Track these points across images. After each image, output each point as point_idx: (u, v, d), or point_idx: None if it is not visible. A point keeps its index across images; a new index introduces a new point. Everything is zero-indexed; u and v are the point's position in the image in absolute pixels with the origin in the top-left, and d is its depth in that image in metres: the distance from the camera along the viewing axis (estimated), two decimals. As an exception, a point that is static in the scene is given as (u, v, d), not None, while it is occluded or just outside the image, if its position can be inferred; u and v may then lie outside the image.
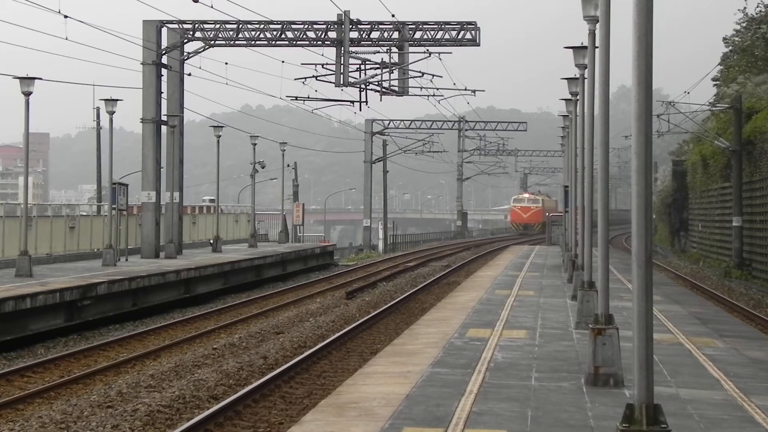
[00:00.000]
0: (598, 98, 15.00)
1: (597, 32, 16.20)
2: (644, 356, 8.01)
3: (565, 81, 29.35)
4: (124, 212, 41.03)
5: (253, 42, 43.55)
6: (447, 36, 44.05)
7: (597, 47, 15.68)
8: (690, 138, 72.53)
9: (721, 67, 68.21)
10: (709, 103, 59.28)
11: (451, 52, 45.88)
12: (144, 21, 42.92)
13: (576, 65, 24.11)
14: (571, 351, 17.84)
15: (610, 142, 15.28)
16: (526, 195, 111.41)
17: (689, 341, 19.60)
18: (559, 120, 54.04)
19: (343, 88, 44.82)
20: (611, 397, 13.48)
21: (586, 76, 22.42)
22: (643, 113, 8.00)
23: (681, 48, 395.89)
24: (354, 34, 43.81)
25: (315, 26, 43.60)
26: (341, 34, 43.36)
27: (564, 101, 34.53)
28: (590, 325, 14.56)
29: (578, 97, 27.88)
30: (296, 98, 49.88)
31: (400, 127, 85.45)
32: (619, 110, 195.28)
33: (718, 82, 69.63)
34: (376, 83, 45.88)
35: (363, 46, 44.62)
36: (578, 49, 23.55)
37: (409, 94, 48.25)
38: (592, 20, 18.40)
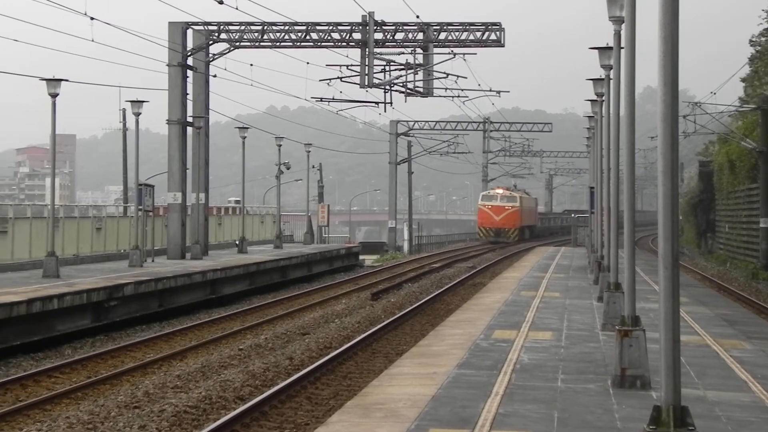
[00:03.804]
0: (623, 99, 14.95)
1: (622, 33, 16.15)
2: (671, 358, 7.99)
3: (591, 82, 29.27)
4: (151, 213, 41.20)
5: (277, 43, 43.64)
6: (471, 37, 43.99)
7: (622, 48, 15.64)
8: (716, 139, 72.16)
9: (750, 69, 67.80)
10: (737, 105, 58.87)
11: (475, 53, 45.86)
12: (169, 23, 43.08)
13: (601, 66, 24.04)
14: (598, 353, 17.79)
15: (636, 142, 15.23)
16: (500, 191, 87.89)
17: (716, 343, 19.51)
18: (584, 121, 53.88)
19: (368, 89, 44.86)
20: (638, 399, 13.44)
21: (611, 76, 22.34)
22: (669, 114, 7.98)
23: (707, 47, 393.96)
24: (378, 35, 43.82)
25: (339, 27, 43.64)
26: (366, 35, 43.38)
27: (589, 102, 34.43)
28: (617, 327, 14.52)
29: (604, 98, 27.80)
30: (321, 99, 49.96)
31: (424, 128, 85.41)
32: (645, 111, 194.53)
33: (744, 84, 69.22)
34: (401, 84, 45.88)
35: (387, 47, 44.62)
36: (603, 50, 23.49)
37: (434, 95, 48.24)
38: (618, 21, 18.33)
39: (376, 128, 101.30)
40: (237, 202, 68.77)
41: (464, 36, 44.05)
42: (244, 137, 49.88)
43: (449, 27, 44.25)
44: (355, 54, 44.37)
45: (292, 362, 20.54)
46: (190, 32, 43.27)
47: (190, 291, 34.12)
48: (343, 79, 46.04)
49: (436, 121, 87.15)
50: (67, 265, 35.49)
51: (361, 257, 62.99)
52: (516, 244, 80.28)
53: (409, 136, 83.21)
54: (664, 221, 8.03)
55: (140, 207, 38.31)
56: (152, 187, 40.22)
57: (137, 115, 37.36)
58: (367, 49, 43.54)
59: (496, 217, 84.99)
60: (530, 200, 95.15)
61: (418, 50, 44.74)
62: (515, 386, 14.29)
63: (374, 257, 70.07)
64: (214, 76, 44.76)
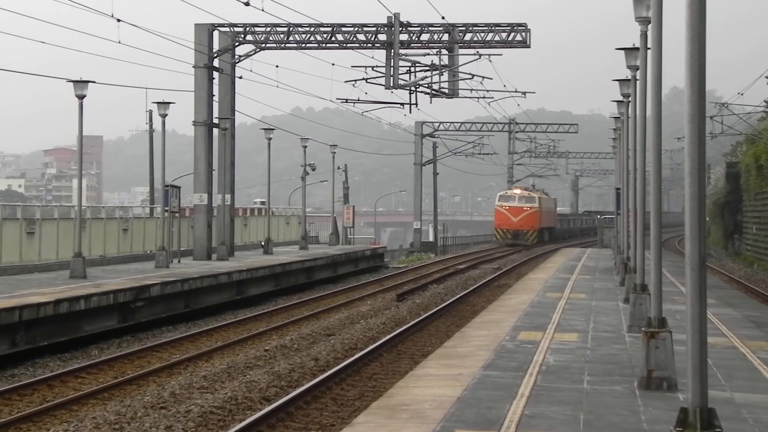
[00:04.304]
0: (650, 99, 14.88)
1: (649, 33, 16.09)
2: (698, 360, 7.95)
3: (617, 82, 29.16)
4: (177, 214, 41.33)
5: (303, 45, 43.69)
6: (497, 38, 43.90)
7: (649, 48, 15.57)
8: (744, 140, 71.79)
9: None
10: (765, 105, 58.55)
11: (501, 54, 45.76)
12: (196, 24, 43.21)
13: (628, 66, 23.95)
14: (624, 354, 17.73)
15: (663, 143, 15.16)
16: (517, 191, 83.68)
17: (743, 345, 19.40)
18: (610, 121, 53.71)
19: (393, 90, 44.86)
20: (664, 400, 13.38)
21: (638, 77, 22.26)
22: (696, 115, 7.94)
23: (735, 48, 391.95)
24: (404, 37, 43.82)
25: (365, 29, 43.65)
26: (391, 36, 43.39)
27: (616, 103, 34.30)
28: (643, 329, 14.47)
29: (630, 99, 27.69)
30: (346, 101, 49.96)
31: (450, 129, 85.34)
32: (672, 112, 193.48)
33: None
34: (426, 85, 45.86)
35: (413, 48, 44.62)
36: (630, 51, 23.40)
37: (459, 96, 48.19)
38: (644, 21, 18.26)
39: (401, 129, 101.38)
40: (263, 203, 68.89)
41: (490, 37, 43.97)
42: (270, 138, 49.97)
43: (475, 28, 44.18)
44: (380, 55, 44.45)
45: (317, 363, 20.57)
46: (216, 34, 43.38)
47: (216, 292, 34.22)
48: (368, 81, 46.07)
49: (462, 122, 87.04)
50: (94, 266, 35.66)
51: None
52: (536, 246, 78.72)
53: (434, 137, 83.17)
54: (691, 223, 8.00)
55: (166, 208, 38.45)
56: (178, 188, 40.36)
57: (164, 116, 37.48)
58: (392, 50, 43.55)
59: (514, 219, 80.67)
60: (549, 201, 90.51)
61: (444, 51, 44.71)
62: (541, 388, 14.25)
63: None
64: (240, 77, 44.90)
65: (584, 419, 12.22)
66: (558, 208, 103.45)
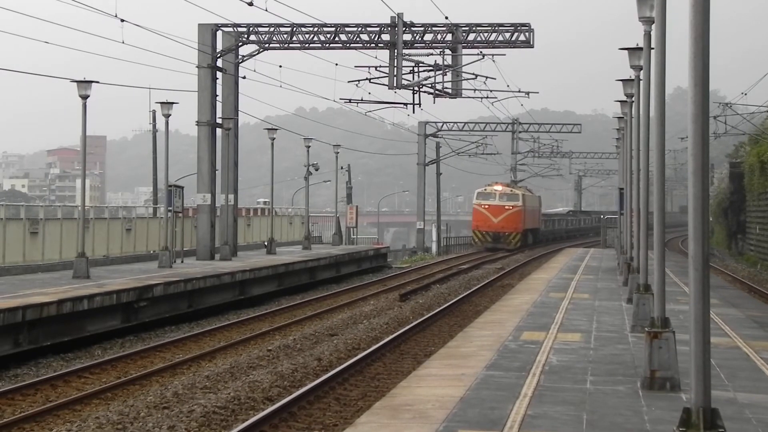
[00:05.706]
0: (653, 100, 14.86)
1: (653, 33, 16.07)
2: (701, 360, 7.94)
3: (620, 82, 29.11)
4: (180, 214, 41.35)
5: (306, 45, 43.69)
6: (500, 38, 43.85)
7: (653, 48, 15.56)
8: (747, 140, 71.74)
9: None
10: None
11: (504, 54, 45.68)
12: (199, 24, 43.22)
13: (631, 66, 23.91)
14: (627, 354, 17.72)
15: (666, 143, 15.14)
16: (498, 188, 74.41)
17: (747, 345, 19.38)
18: (614, 122, 53.67)
19: (397, 90, 44.84)
20: (668, 401, 13.37)
21: (641, 77, 22.22)
22: (699, 115, 7.93)
23: (738, 47, 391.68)
24: (407, 37, 43.79)
25: (368, 29, 43.64)
26: (395, 36, 43.37)
27: (619, 103, 34.27)
28: (646, 329, 14.46)
29: (633, 99, 27.66)
30: (350, 101, 49.91)
31: (453, 129, 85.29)
32: (675, 112, 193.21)
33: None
34: (430, 85, 45.81)
35: (416, 48, 44.58)
36: (633, 51, 23.36)
37: (463, 96, 48.16)
38: (648, 21, 18.22)
39: (404, 129, 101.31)
40: (266, 203, 68.93)
41: (493, 37, 43.92)
42: (273, 138, 49.97)
43: (478, 28, 44.13)
44: (383, 55, 44.38)
45: (320, 363, 20.57)
46: (219, 34, 43.39)
47: (219, 292, 34.23)
48: (371, 81, 46.01)
49: (465, 122, 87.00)
50: (97, 266, 35.67)
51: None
52: (538, 247, 77.56)
53: (437, 137, 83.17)
54: (695, 223, 7.98)
55: (170, 208, 38.46)
56: (182, 188, 40.36)
57: (167, 116, 37.50)
58: (395, 50, 43.52)
59: (495, 219, 72.32)
60: (534, 199, 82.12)
61: (447, 51, 44.67)
62: (544, 388, 14.25)
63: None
64: (244, 77, 44.89)
65: (587, 419, 12.21)
66: (559, 208, 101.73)
